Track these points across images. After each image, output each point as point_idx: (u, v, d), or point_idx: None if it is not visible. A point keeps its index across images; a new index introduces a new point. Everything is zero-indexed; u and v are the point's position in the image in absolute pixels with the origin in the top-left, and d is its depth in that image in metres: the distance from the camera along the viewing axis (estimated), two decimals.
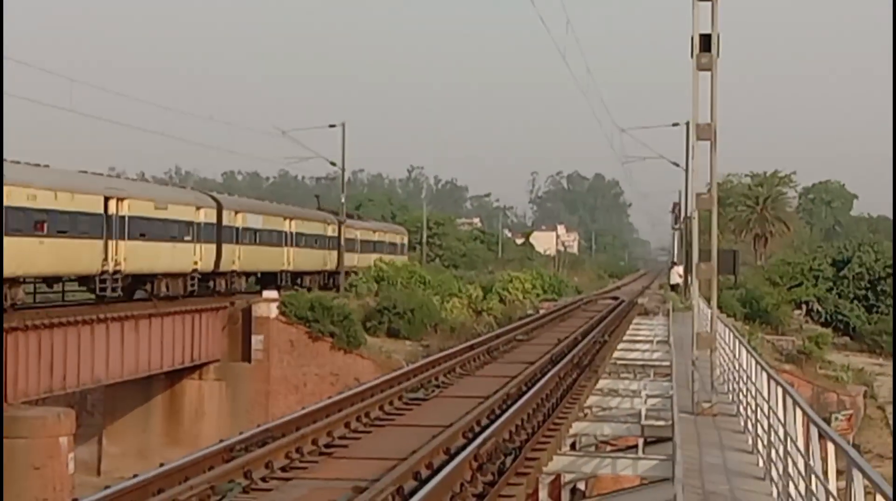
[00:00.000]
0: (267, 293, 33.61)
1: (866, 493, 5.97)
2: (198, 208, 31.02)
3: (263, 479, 10.21)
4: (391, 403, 15.32)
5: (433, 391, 16.63)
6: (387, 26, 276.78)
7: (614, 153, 55.07)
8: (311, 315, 32.53)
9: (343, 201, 43.60)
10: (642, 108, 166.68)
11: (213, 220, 31.60)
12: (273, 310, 32.36)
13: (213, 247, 31.24)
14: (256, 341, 31.62)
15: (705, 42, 14.61)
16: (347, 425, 13.07)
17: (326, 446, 11.90)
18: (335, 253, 42.75)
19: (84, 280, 26.68)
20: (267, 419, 15.76)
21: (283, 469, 10.61)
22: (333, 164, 42.24)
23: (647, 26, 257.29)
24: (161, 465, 9.74)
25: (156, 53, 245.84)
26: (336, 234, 43.13)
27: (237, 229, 33.53)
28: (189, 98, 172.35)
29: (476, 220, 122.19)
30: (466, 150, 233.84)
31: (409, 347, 34.44)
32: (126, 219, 26.58)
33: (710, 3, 14.50)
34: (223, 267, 31.89)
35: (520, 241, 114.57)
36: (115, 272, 25.96)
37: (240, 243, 33.35)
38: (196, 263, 30.02)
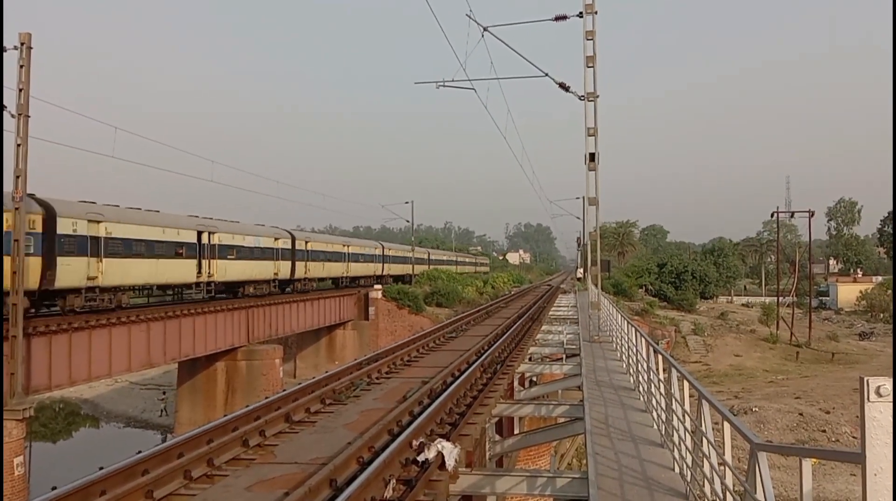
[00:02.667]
0: (376, 287, 49.74)
1: (677, 380, 9.37)
2: None
3: (377, 378, 16.13)
4: (439, 338, 24.45)
5: (460, 332, 26.45)
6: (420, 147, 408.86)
7: (548, 213, 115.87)
8: (398, 296, 49.60)
9: (413, 238, 73.11)
10: (562, 180, 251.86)
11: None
12: (379, 294, 48.52)
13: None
14: (371, 310, 47.62)
15: (591, 156, 23.22)
16: (417, 349, 21.34)
17: (407, 361, 19.49)
18: (287, 263, 41.35)
19: None
20: (377, 349, 22.68)
21: (386, 372, 17.35)
22: (408, 221, 68.77)
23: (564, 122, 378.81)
24: (326, 371, 15.72)
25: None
26: (289, 246, 42.01)
27: (100, 238, 25.71)
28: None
29: (479, 247, 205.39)
30: (474, 210, 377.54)
31: (447, 311, 51.53)
32: None
33: (593, 138, 23.86)
34: (63, 283, 23.82)
35: (501, 258, 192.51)
36: None
37: (92, 255, 25.23)
38: None
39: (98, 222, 26.07)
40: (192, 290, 33.26)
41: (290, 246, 42.59)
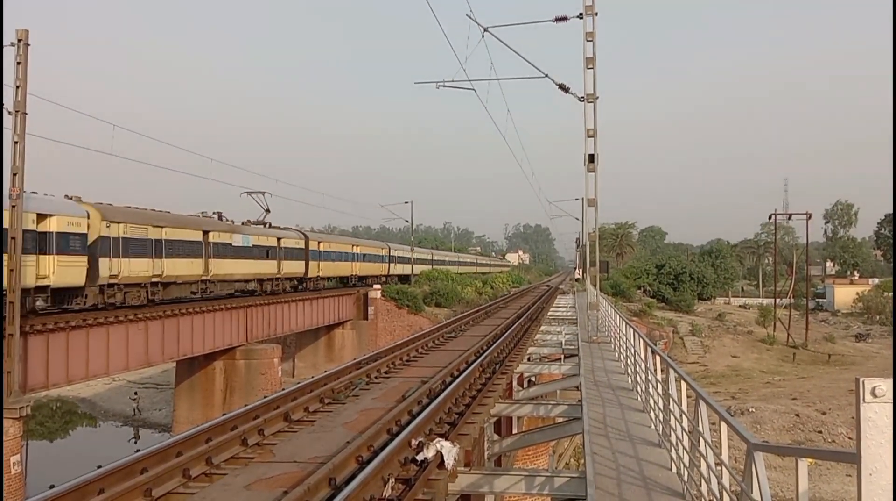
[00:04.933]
0: (375, 286, 49.94)
1: (675, 380, 9.33)
2: None
3: (376, 377, 16.48)
4: (438, 338, 24.48)
5: (459, 332, 26.52)
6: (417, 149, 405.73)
7: (547, 214, 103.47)
8: (398, 296, 49.84)
9: (412, 238, 72.34)
10: (562, 181, 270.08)
11: None
12: (378, 294, 48.80)
13: None
14: (370, 309, 48.02)
15: (591, 157, 23.38)
16: (416, 349, 21.22)
17: (406, 361, 19.27)
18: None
19: None
20: (376, 349, 23.20)
21: (385, 372, 17.42)
22: (407, 221, 67.31)
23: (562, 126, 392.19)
24: (325, 371, 16.10)
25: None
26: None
27: None
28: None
29: (478, 248, 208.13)
30: (473, 210, 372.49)
31: (446, 312, 51.81)
32: None
33: (593, 139, 23.97)
34: None
35: (500, 258, 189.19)
36: None
37: None
38: None
39: None
40: None
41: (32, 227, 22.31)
